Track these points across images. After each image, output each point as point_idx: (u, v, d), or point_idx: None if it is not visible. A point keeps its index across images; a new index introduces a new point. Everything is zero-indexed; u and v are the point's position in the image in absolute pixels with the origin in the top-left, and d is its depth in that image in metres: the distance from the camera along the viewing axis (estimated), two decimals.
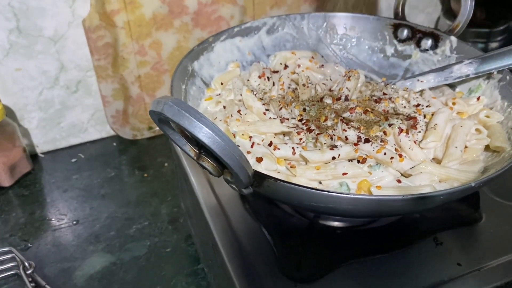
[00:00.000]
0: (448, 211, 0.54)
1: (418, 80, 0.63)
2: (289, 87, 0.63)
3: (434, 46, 0.65)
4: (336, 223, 0.51)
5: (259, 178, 0.39)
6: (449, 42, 0.63)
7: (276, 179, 0.38)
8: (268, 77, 0.63)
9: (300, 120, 0.55)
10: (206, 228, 0.54)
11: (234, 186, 0.40)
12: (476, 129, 0.54)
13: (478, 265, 0.48)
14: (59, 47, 0.83)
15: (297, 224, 0.52)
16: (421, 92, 0.63)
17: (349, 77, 0.62)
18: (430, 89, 0.62)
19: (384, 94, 0.60)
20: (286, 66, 0.65)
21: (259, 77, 0.62)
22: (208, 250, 0.58)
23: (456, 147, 0.51)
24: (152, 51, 0.88)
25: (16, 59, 0.81)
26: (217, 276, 0.57)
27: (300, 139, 0.52)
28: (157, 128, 0.97)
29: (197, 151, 0.41)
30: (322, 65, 0.67)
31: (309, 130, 0.53)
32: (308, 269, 0.47)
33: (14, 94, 0.84)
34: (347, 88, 0.60)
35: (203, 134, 0.33)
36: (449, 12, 1.06)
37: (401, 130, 0.52)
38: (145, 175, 0.88)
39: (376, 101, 0.58)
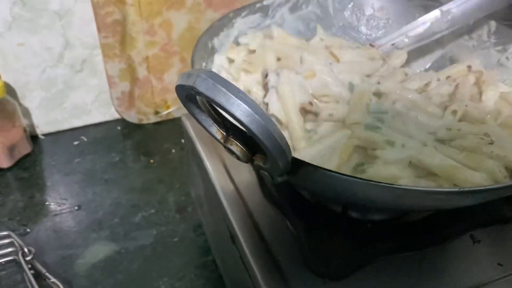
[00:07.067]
0: (485, 207, 0.50)
1: None
2: None
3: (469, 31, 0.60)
4: (367, 217, 0.47)
5: (296, 165, 0.34)
6: (487, 26, 0.58)
7: (316, 167, 0.34)
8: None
9: None
10: (223, 217, 0.50)
11: (266, 173, 0.36)
12: None
13: None
14: (65, 23, 0.78)
15: (324, 216, 0.48)
16: None
17: None
18: None
19: None
20: None
21: None
22: (222, 241, 0.54)
23: None
24: (162, 31, 0.84)
25: (19, 33, 0.76)
26: (232, 270, 0.54)
27: None
28: (164, 113, 0.93)
29: (224, 134, 0.37)
30: None
31: None
32: (338, 265, 0.43)
33: (16, 71, 0.79)
34: None
35: (241, 112, 0.28)
36: None
37: None
38: (151, 161, 0.83)
39: None
